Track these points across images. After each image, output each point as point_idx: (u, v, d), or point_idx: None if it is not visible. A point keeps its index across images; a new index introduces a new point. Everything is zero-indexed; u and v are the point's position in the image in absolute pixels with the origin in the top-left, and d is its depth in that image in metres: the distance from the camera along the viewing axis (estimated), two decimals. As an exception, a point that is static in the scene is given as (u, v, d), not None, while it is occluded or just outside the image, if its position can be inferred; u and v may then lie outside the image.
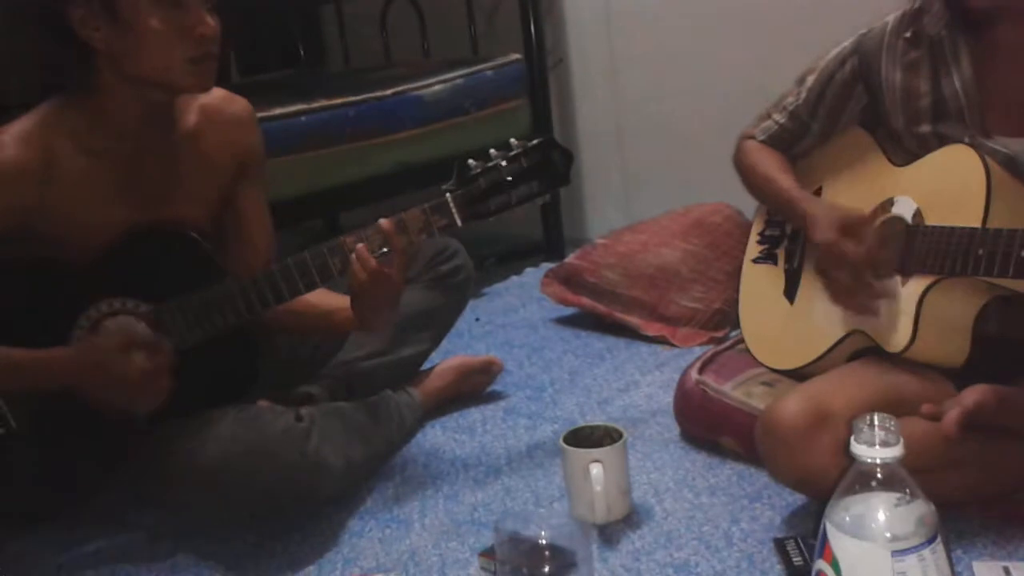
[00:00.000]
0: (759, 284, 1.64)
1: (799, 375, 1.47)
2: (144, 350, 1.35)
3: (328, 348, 1.76)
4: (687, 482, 1.49)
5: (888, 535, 0.78)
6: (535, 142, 1.35)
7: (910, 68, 1.36)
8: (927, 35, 1.34)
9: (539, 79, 2.65)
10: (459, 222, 1.35)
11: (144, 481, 1.46)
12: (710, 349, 1.73)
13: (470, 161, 1.35)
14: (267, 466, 1.39)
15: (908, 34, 1.37)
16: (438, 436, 1.75)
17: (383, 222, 1.35)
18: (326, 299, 1.54)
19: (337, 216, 3.03)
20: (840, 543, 0.79)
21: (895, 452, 0.78)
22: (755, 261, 1.66)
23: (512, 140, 1.36)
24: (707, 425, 1.58)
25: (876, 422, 0.79)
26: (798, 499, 1.35)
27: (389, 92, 2.37)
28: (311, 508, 1.46)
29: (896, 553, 0.77)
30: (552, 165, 1.36)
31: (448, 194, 1.34)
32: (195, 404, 1.43)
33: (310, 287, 1.39)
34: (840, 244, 1.32)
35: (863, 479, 0.79)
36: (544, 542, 1.15)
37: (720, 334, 2.03)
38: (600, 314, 2.17)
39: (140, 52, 1.32)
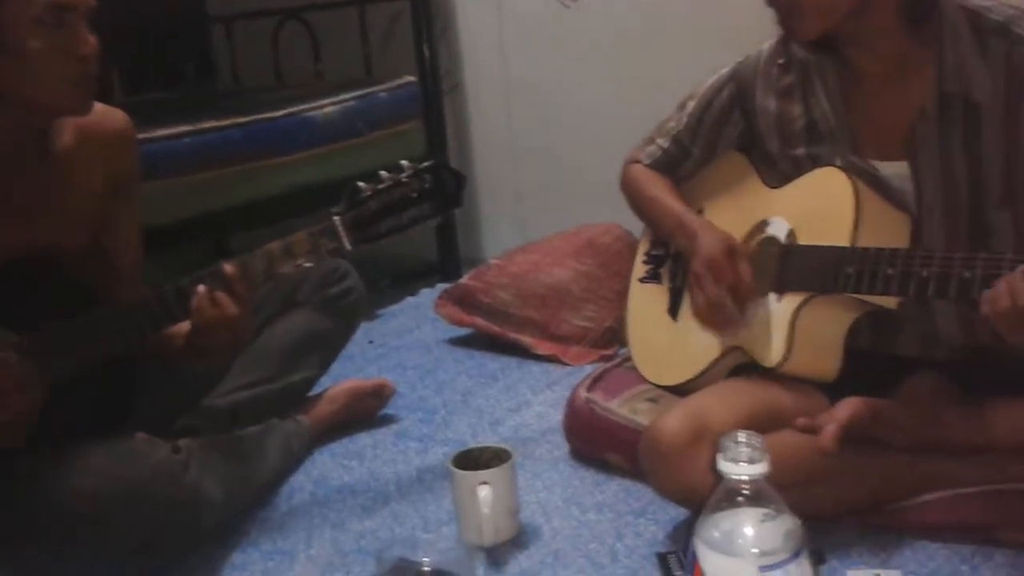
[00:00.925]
0: (645, 303, 1.66)
1: (682, 391, 1.50)
2: None
3: (211, 378, 1.70)
4: (575, 500, 1.49)
5: (755, 551, 0.79)
6: (426, 164, 1.34)
7: (784, 94, 1.41)
8: (798, 60, 1.39)
9: (434, 101, 2.65)
10: (348, 245, 1.33)
11: (8, 521, 1.39)
12: (599, 367, 1.75)
13: (360, 183, 1.33)
14: (143, 500, 1.33)
15: (781, 61, 1.41)
16: (327, 463, 1.71)
17: (227, 266, 1.32)
18: None
19: (227, 239, 2.95)
20: (709, 559, 0.80)
21: (761, 468, 0.79)
22: (641, 280, 1.69)
23: (403, 162, 1.35)
24: (595, 442, 1.59)
25: (742, 439, 0.80)
26: (682, 513, 1.37)
27: (280, 113, 2.33)
28: (191, 542, 1.41)
29: (763, 568, 0.78)
30: (444, 187, 1.35)
31: (336, 217, 1.33)
32: (66, 437, 1.37)
33: (187, 315, 1.35)
34: (718, 264, 1.35)
35: (730, 495, 0.80)
36: (428, 568, 1.14)
37: (610, 352, 2.06)
38: (493, 334, 2.17)
39: (21, 74, 1.27)
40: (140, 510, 1.32)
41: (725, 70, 1.51)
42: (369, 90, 2.51)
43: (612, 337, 2.10)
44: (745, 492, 0.80)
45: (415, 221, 1.35)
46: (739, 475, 0.80)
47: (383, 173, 1.34)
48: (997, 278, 1.05)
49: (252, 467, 1.57)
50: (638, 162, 1.62)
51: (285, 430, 1.70)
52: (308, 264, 1.35)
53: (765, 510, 0.80)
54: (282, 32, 2.95)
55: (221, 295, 1.32)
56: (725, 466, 0.80)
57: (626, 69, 2.48)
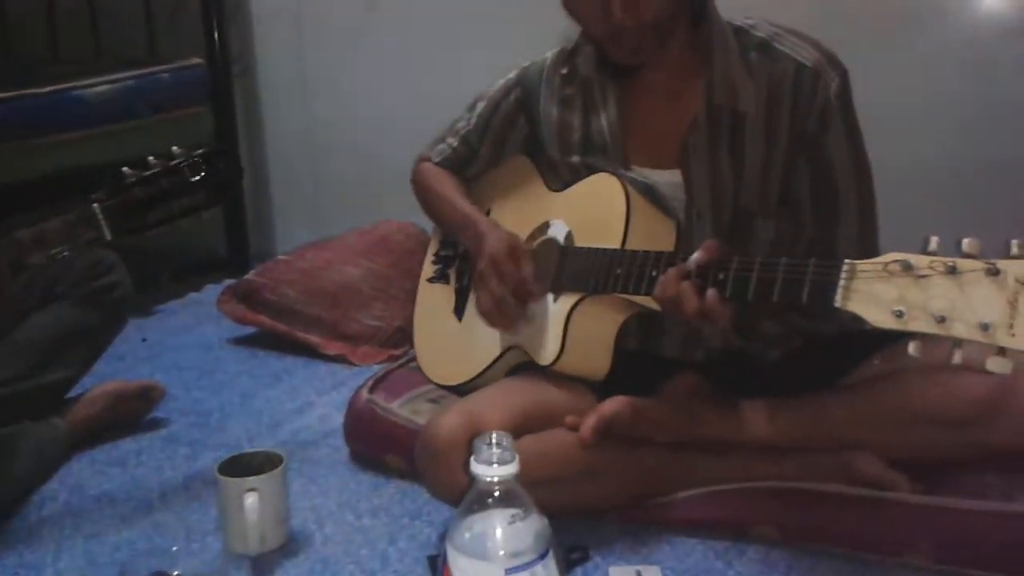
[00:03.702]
0: (432, 302, 1.65)
1: (463, 391, 1.49)
2: None
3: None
4: (351, 504, 1.46)
5: (503, 553, 0.78)
6: (200, 152, 1.29)
7: (565, 103, 1.44)
8: (580, 73, 1.41)
9: (222, 86, 2.53)
10: (108, 235, 1.25)
11: None
12: (384, 367, 1.72)
13: (125, 169, 1.26)
14: None
15: (564, 71, 1.44)
16: (85, 470, 1.59)
17: None
18: None
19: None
20: (458, 563, 0.79)
21: (510, 469, 0.79)
22: (430, 280, 1.68)
23: (174, 148, 1.28)
24: (375, 444, 1.56)
25: (493, 440, 0.80)
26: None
27: (46, 89, 2.16)
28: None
29: (510, 570, 0.78)
30: (219, 177, 1.29)
31: (96, 204, 1.24)
32: None
33: None
34: (502, 264, 1.36)
35: (481, 497, 0.80)
36: (180, 580, 1.07)
37: (399, 352, 2.03)
38: (279, 333, 2.09)
39: None
40: None
41: (512, 74, 1.52)
42: (150, 70, 2.37)
43: (402, 337, 2.07)
44: (496, 494, 0.79)
45: (186, 212, 1.29)
46: (490, 476, 0.79)
47: (151, 159, 1.27)
48: (747, 281, 1.11)
49: (-2, 474, 1.44)
50: (429, 160, 1.61)
51: (38, 433, 1.57)
52: (64, 253, 1.26)
53: (514, 511, 0.80)
54: (59, 5, 2.73)
55: None
56: (476, 468, 0.80)
57: (424, 67, 2.46)
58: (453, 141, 1.58)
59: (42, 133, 2.14)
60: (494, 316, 1.38)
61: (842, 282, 0.99)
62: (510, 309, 1.35)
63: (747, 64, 1.30)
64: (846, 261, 1.00)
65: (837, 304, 0.99)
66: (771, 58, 1.30)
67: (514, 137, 1.52)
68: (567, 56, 1.44)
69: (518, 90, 1.50)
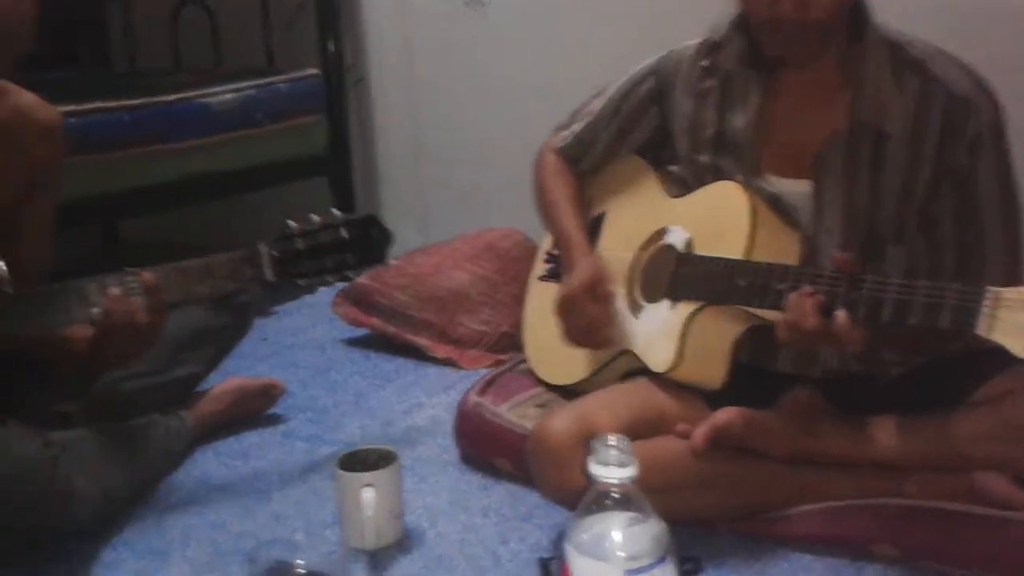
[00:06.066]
0: (543, 301, 1.65)
1: (574, 392, 1.50)
2: None
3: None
4: (462, 504, 1.48)
5: (622, 555, 0.79)
6: (358, 216, 1.40)
7: (701, 96, 1.40)
8: (722, 68, 1.38)
9: (337, 95, 2.60)
10: (270, 277, 1.35)
11: None
12: (492, 371, 1.75)
13: (290, 222, 1.37)
14: (9, 496, 1.27)
15: (705, 63, 1.39)
16: (209, 462, 1.66)
17: (146, 274, 1.31)
18: None
19: (116, 226, 2.84)
20: (577, 563, 0.80)
21: (629, 472, 0.80)
22: (541, 278, 1.69)
23: (335, 211, 1.39)
24: (484, 446, 1.58)
25: (612, 443, 0.81)
26: (567, 517, 1.37)
27: (173, 98, 2.26)
28: (62, 539, 1.35)
29: (629, 572, 0.79)
30: (369, 241, 1.39)
31: (264, 247, 1.34)
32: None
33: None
34: (577, 301, 1.38)
35: (599, 499, 0.81)
36: (304, 571, 1.11)
37: (505, 357, 2.04)
38: (390, 335, 2.14)
39: None
40: (6, 506, 1.27)
41: (648, 62, 1.48)
42: (269, 79, 2.45)
43: (508, 342, 2.09)
44: (614, 495, 0.80)
45: (337, 269, 1.38)
46: (608, 478, 0.80)
47: (314, 216, 1.38)
48: (881, 302, 1.08)
49: (130, 463, 1.52)
50: (552, 149, 1.59)
51: (167, 426, 1.64)
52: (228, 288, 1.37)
53: (633, 514, 0.81)
54: (181, 16, 2.87)
55: (136, 301, 1.30)
56: (595, 469, 0.81)
57: (530, 74, 2.48)
58: (577, 127, 1.55)
59: (169, 139, 2.24)
60: (570, 342, 1.42)
61: (985, 310, 0.96)
62: (584, 342, 1.39)
63: (900, 83, 1.26)
64: (990, 288, 0.97)
65: (979, 332, 0.96)
66: (924, 79, 1.26)
67: (642, 127, 1.49)
68: (711, 48, 1.39)
69: (653, 79, 1.46)
